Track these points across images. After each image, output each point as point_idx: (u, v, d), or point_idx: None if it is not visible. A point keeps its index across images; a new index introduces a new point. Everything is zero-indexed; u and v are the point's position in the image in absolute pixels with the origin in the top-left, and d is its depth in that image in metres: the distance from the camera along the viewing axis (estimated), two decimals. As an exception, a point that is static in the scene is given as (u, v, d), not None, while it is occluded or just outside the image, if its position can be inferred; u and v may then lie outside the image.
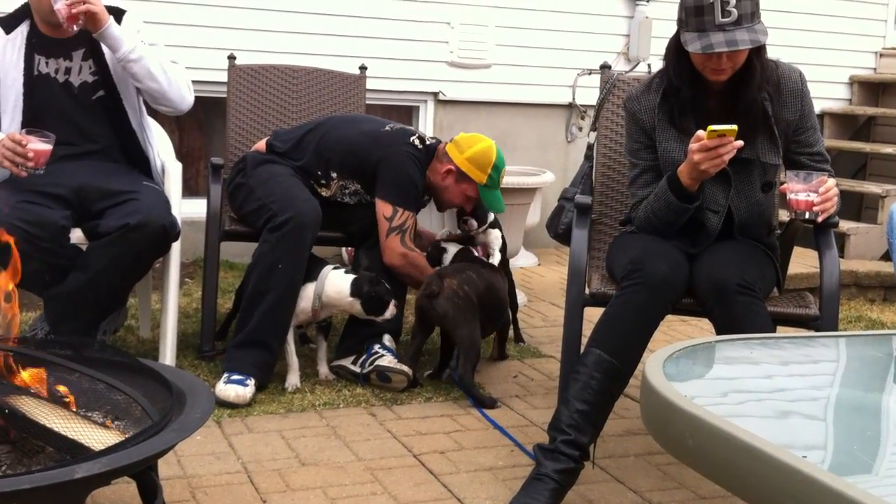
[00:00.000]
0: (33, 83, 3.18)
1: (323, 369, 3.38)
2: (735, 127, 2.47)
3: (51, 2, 2.99)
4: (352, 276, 3.26)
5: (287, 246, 3.21)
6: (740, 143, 2.50)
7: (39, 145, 2.92)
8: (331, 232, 3.49)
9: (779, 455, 0.97)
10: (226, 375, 3.15)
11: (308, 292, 3.24)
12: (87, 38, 3.22)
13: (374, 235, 3.42)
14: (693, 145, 2.52)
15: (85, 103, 3.22)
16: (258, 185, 3.41)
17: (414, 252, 3.40)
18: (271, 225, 3.24)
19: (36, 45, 3.19)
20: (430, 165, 3.47)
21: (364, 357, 3.32)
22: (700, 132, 2.50)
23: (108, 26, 3.05)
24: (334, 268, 3.31)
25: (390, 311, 3.27)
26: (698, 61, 2.59)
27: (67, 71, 3.21)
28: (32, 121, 3.13)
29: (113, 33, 3.09)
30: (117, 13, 3.22)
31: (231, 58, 3.96)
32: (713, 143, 2.48)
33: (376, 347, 3.32)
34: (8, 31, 3.19)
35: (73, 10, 3.00)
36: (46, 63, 3.19)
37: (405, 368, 3.25)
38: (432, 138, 3.58)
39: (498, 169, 3.46)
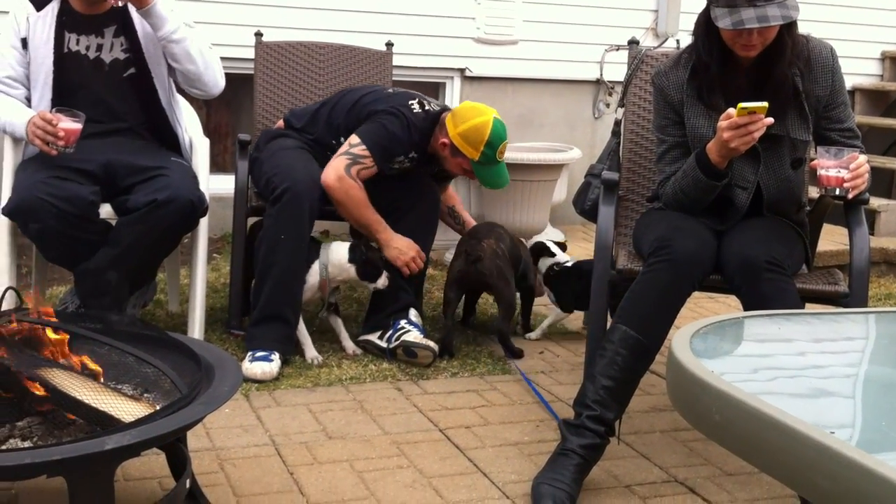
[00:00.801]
0: (63, 61, 3.19)
1: (348, 345, 3.40)
2: (765, 104, 2.44)
3: None
4: (349, 243, 3.37)
5: (286, 217, 3.23)
6: (770, 120, 2.47)
7: (70, 124, 2.94)
8: None
9: (807, 431, 0.97)
10: (249, 354, 3.17)
11: (315, 268, 3.32)
12: (119, 15, 3.23)
13: (391, 215, 3.41)
14: (722, 122, 2.49)
15: (115, 81, 3.24)
16: (266, 159, 3.44)
17: (355, 184, 3.30)
18: (272, 197, 3.28)
19: (67, 23, 3.20)
20: (433, 133, 3.44)
21: (390, 332, 3.33)
22: (730, 110, 2.47)
23: (155, 3, 3.07)
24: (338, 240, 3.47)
25: (382, 280, 3.32)
26: (728, 37, 2.57)
27: (99, 48, 3.23)
28: (61, 99, 3.15)
29: (158, 11, 3.10)
30: None
31: (258, 35, 3.96)
32: (743, 121, 2.45)
33: (402, 322, 3.33)
34: (39, 7, 3.20)
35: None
36: (77, 40, 3.20)
37: (431, 344, 3.26)
38: (439, 104, 3.54)
39: (492, 145, 3.34)
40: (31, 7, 3.20)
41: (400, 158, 3.42)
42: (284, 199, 3.23)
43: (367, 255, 3.32)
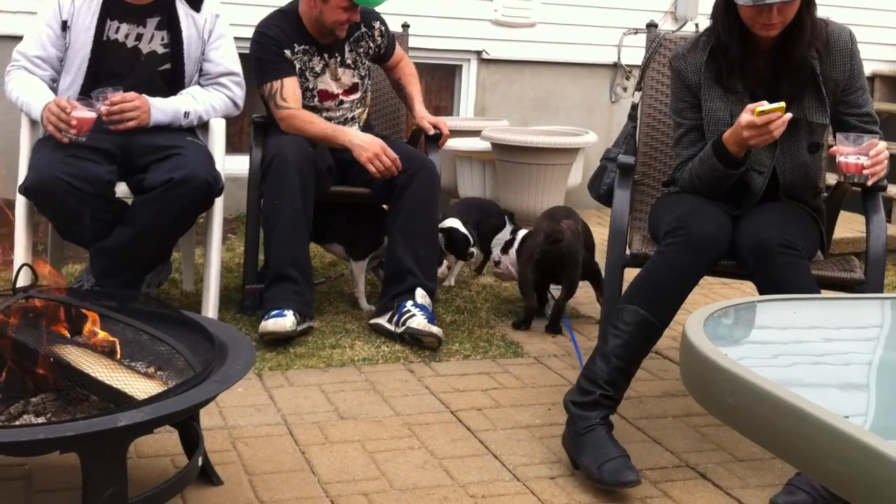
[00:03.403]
0: (100, 49, 3.19)
1: (362, 302, 3.65)
2: (783, 104, 2.43)
3: None
4: None
5: (276, 182, 3.30)
6: (790, 115, 2.46)
7: (84, 113, 2.96)
8: (357, 188, 3.57)
9: (821, 415, 0.96)
10: (265, 314, 3.23)
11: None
12: (165, 8, 3.23)
13: (397, 187, 3.42)
14: (742, 119, 2.47)
15: (148, 73, 3.24)
16: (266, 137, 3.52)
17: (287, 109, 3.44)
18: (263, 169, 3.38)
19: (111, 9, 3.20)
20: (301, 7, 3.48)
21: (397, 316, 3.33)
22: (752, 105, 2.46)
23: (152, 119, 3.16)
24: None
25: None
26: (748, 16, 2.54)
27: (138, 37, 3.23)
28: (93, 85, 3.16)
29: (163, 120, 3.18)
30: None
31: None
32: (762, 121, 2.44)
33: (408, 305, 3.31)
34: None
35: (119, 127, 3.09)
36: (118, 28, 3.20)
37: (434, 330, 3.24)
38: None
39: None
40: None
41: (288, 55, 3.47)
42: (273, 166, 3.32)
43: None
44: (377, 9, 3.59)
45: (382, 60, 3.75)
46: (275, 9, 3.61)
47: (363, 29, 3.59)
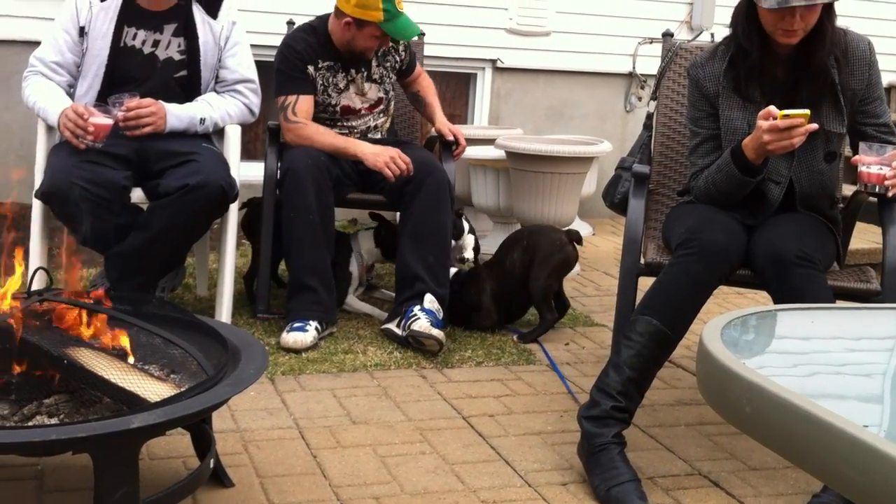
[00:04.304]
0: (117, 55, 3.21)
1: (352, 300, 3.71)
2: (808, 112, 2.41)
3: None
4: (372, 230, 3.73)
5: (290, 194, 3.34)
6: (814, 126, 2.44)
7: (101, 120, 2.97)
8: (370, 194, 3.59)
9: (839, 424, 0.95)
10: (288, 326, 3.26)
11: (352, 259, 3.68)
12: (182, 15, 3.24)
13: (406, 193, 3.43)
14: (763, 123, 2.45)
15: (164, 80, 3.25)
16: (283, 151, 3.54)
17: (297, 123, 3.47)
18: (278, 182, 3.44)
19: (128, 16, 3.21)
20: (332, 27, 3.52)
21: (404, 320, 3.33)
22: (771, 108, 2.44)
23: (168, 125, 3.17)
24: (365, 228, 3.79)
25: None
26: (770, 22, 2.53)
27: (155, 44, 3.24)
28: (109, 91, 3.17)
29: (179, 126, 3.20)
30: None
31: (290, 23, 3.96)
32: (785, 125, 2.42)
33: (415, 310, 3.30)
34: None
35: (134, 134, 3.11)
36: (135, 34, 3.21)
37: (434, 333, 3.22)
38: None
39: (389, 0, 3.39)
40: None
41: (311, 70, 3.50)
42: (286, 180, 3.36)
43: (388, 236, 3.64)
44: None
45: (404, 76, 3.77)
46: (304, 20, 3.68)
47: (390, 44, 3.62)
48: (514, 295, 3.56)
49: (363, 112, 3.64)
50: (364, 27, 3.41)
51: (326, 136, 3.48)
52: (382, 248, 3.69)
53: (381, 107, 3.70)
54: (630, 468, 2.37)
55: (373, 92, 3.63)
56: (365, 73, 3.60)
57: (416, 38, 3.65)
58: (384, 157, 3.39)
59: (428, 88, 3.84)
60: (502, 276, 3.55)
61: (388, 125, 3.77)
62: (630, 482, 2.33)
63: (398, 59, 3.68)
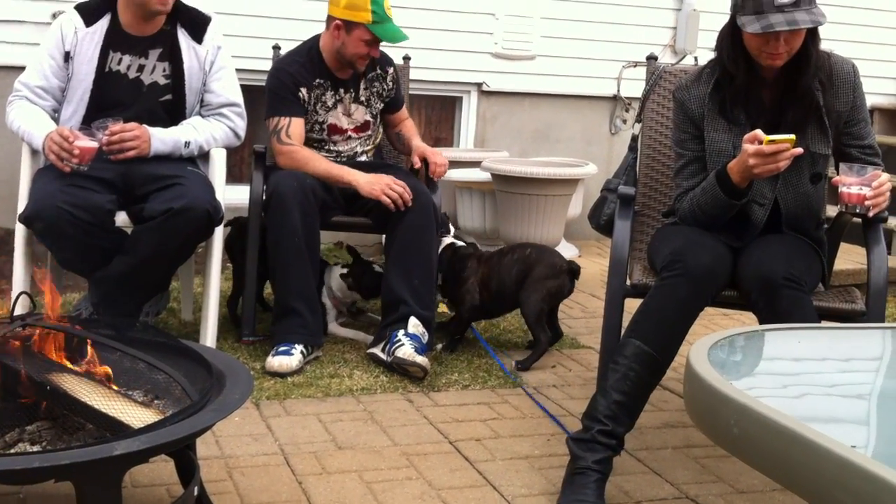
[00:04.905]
0: (102, 80, 3.20)
1: (332, 325, 3.68)
2: (793, 137, 2.43)
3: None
4: (342, 271, 3.67)
5: (276, 218, 3.34)
6: (800, 150, 2.45)
7: (86, 143, 2.96)
8: (355, 217, 3.58)
9: (828, 445, 0.95)
10: (273, 350, 3.26)
11: (324, 292, 3.66)
12: (167, 40, 3.25)
13: (393, 217, 3.42)
14: (749, 147, 2.46)
15: (149, 104, 3.25)
16: (269, 174, 3.55)
17: (290, 146, 3.48)
18: (263, 205, 3.44)
19: (113, 41, 3.21)
20: (323, 41, 3.55)
21: (388, 345, 3.31)
22: (757, 131, 2.45)
23: (153, 148, 3.17)
24: (337, 265, 3.75)
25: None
26: (754, 46, 2.55)
27: (140, 69, 3.24)
28: (94, 116, 3.16)
29: (163, 149, 3.20)
30: (202, 22, 3.31)
31: (276, 48, 3.96)
32: (770, 150, 2.43)
33: (399, 335, 3.28)
34: (88, 23, 3.21)
35: (118, 157, 3.10)
36: (119, 59, 3.21)
37: (418, 360, 3.20)
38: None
39: (378, 2, 3.43)
40: (80, 21, 3.20)
41: (303, 93, 3.52)
42: (272, 203, 3.36)
43: (363, 277, 3.63)
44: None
45: (389, 109, 3.77)
46: (289, 45, 3.73)
47: (378, 71, 3.66)
48: (497, 293, 3.54)
49: (350, 133, 3.65)
50: (353, 30, 3.44)
51: (321, 163, 3.48)
52: (362, 290, 3.66)
53: (369, 132, 3.71)
54: (599, 500, 2.34)
55: (359, 114, 3.64)
56: (353, 94, 3.62)
57: (402, 62, 3.67)
58: (380, 186, 3.39)
59: (411, 129, 3.86)
60: (495, 270, 3.54)
61: (372, 152, 3.77)
62: None
63: (385, 87, 3.69)
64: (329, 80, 3.57)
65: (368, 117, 3.67)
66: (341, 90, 3.59)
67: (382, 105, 3.73)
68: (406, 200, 3.39)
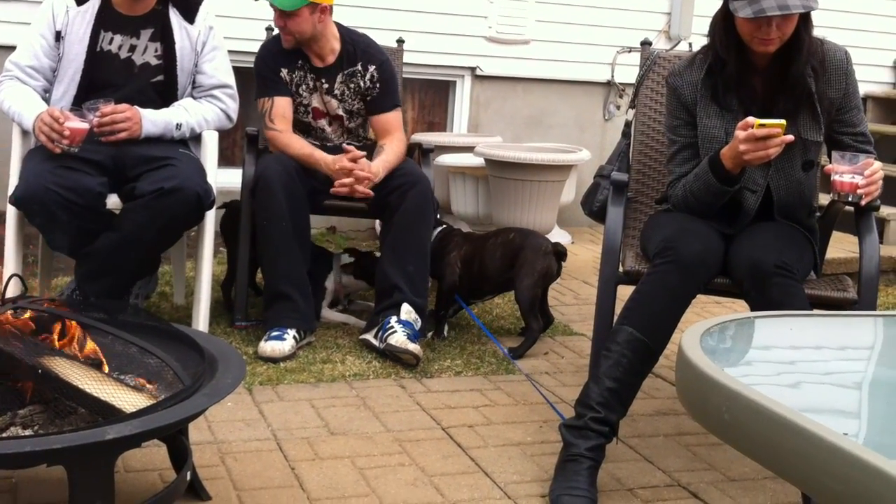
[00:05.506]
0: (94, 60, 3.19)
1: (325, 311, 3.69)
2: (784, 122, 2.43)
3: None
4: (350, 260, 3.73)
5: (263, 202, 3.32)
6: (790, 137, 2.45)
7: (77, 124, 2.95)
8: (353, 202, 3.52)
9: (818, 431, 0.95)
10: (266, 335, 3.26)
11: (330, 276, 3.69)
12: (158, 20, 3.23)
13: (390, 203, 3.40)
14: (740, 133, 2.46)
15: (141, 84, 3.24)
16: (258, 158, 3.55)
17: (271, 130, 3.49)
18: (251, 190, 3.40)
19: (104, 20, 3.19)
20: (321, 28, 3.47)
21: (381, 331, 3.31)
22: (749, 119, 2.45)
23: (144, 130, 3.15)
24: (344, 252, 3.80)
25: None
26: (747, 31, 2.55)
27: (132, 49, 3.22)
28: (85, 96, 3.15)
29: (154, 131, 3.18)
30: (194, 2, 3.30)
31: (269, 29, 3.94)
32: (762, 134, 2.43)
33: (392, 321, 3.28)
34: (80, 2, 3.19)
35: (109, 139, 3.08)
36: (111, 39, 3.20)
37: (410, 348, 3.20)
38: None
39: None
40: (72, 0, 3.19)
41: (284, 73, 3.51)
42: (259, 186, 3.33)
43: (370, 265, 3.64)
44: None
45: (370, 110, 3.61)
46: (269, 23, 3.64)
47: (358, 66, 3.55)
48: (479, 273, 3.54)
49: (331, 120, 3.62)
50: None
51: (297, 147, 3.46)
52: (367, 278, 3.68)
53: (345, 126, 3.64)
54: (591, 487, 2.35)
55: (332, 106, 3.59)
56: (326, 87, 3.55)
57: (396, 45, 3.60)
58: (342, 171, 3.35)
59: (393, 148, 3.55)
60: (479, 250, 3.55)
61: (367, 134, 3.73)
62: (583, 498, 2.31)
63: (361, 84, 3.55)
64: (307, 66, 3.54)
65: (341, 112, 3.60)
66: (318, 79, 3.55)
67: (361, 103, 3.60)
68: (357, 192, 3.35)
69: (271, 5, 3.41)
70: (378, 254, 3.61)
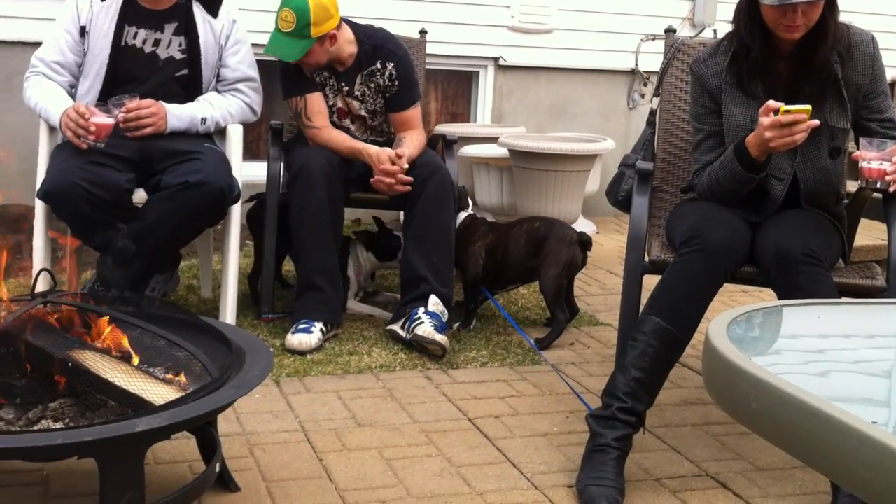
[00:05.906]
0: (118, 54, 3.21)
1: (351, 303, 3.70)
2: (809, 107, 2.40)
3: None
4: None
5: (301, 194, 3.32)
6: (816, 122, 2.43)
7: (102, 119, 2.97)
8: (376, 194, 3.53)
9: (848, 420, 0.95)
10: (293, 327, 3.26)
11: (350, 263, 3.69)
12: (182, 14, 3.24)
13: (411, 193, 3.40)
14: (764, 120, 2.44)
15: (165, 79, 3.25)
16: (292, 149, 3.54)
17: (311, 129, 3.48)
18: (290, 180, 3.41)
19: (129, 15, 3.21)
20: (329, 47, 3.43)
21: (408, 322, 3.32)
22: (771, 102, 2.43)
23: (168, 125, 3.17)
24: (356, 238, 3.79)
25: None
26: (772, 18, 2.52)
27: (156, 43, 3.24)
28: (111, 91, 3.17)
29: (179, 126, 3.20)
30: None
31: (291, 21, 3.95)
32: (787, 120, 2.40)
33: (419, 312, 3.29)
34: None
35: (136, 133, 3.10)
36: (135, 34, 3.21)
37: (438, 339, 3.21)
38: None
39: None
40: None
41: (308, 72, 3.48)
42: (299, 179, 3.33)
43: (382, 240, 3.70)
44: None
45: (390, 107, 3.60)
46: None
47: (377, 65, 3.53)
48: (503, 262, 3.54)
49: (354, 119, 3.62)
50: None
51: (341, 143, 3.47)
52: (375, 252, 3.71)
53: (372, 123, 3.64)
54: (619, 477, 2.34)
55: (353, 107, 3.59)
56: (347, 89, 3.54)
57: (419, 36, 3.57)
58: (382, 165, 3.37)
59: (412, 140, 3.55)
60: (503, 239, 3.55)
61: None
62: (611, 488, 2.31)
63: (381, 82, 3.54)
64: (328, 69, 3.52)
65: (363, 112, 3.60)
66: (338, 82, 3.54)
67: (382, 101, 3.58)
68: (396, 190, 3.38)
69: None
70: (395, 232, 3.67)
